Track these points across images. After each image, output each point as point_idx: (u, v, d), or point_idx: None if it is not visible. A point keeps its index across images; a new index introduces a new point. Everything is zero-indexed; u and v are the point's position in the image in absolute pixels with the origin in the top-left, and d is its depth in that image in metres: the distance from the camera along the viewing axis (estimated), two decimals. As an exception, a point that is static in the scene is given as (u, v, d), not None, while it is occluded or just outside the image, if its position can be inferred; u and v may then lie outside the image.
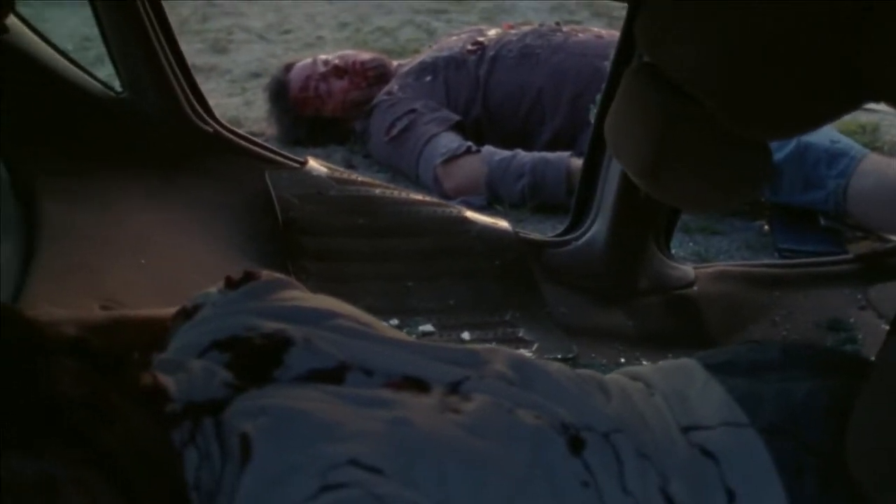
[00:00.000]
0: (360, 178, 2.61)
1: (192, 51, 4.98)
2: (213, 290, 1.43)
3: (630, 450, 1.32)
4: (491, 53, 3.72)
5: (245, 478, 1.11)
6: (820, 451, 1.35)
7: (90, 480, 1.03)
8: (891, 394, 1.23)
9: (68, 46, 4.58)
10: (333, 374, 1.28)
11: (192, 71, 3.80)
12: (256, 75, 4.70)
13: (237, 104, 4.34)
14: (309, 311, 1.39)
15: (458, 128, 3.63)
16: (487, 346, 1.49)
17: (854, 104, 1.71)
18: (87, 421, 1.07)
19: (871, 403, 1.27)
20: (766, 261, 2.91)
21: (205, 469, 1.14)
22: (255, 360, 1.28)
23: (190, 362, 1.27)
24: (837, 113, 1.80)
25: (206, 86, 4.46)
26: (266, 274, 1.46)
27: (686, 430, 1.40)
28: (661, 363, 1.61)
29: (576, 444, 1.29)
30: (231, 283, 1.43)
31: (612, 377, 1.55)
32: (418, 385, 1.31)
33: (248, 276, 1.44)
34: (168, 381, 1.22)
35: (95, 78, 2.34)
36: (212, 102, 4.16)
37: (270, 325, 1.33)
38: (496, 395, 1.32)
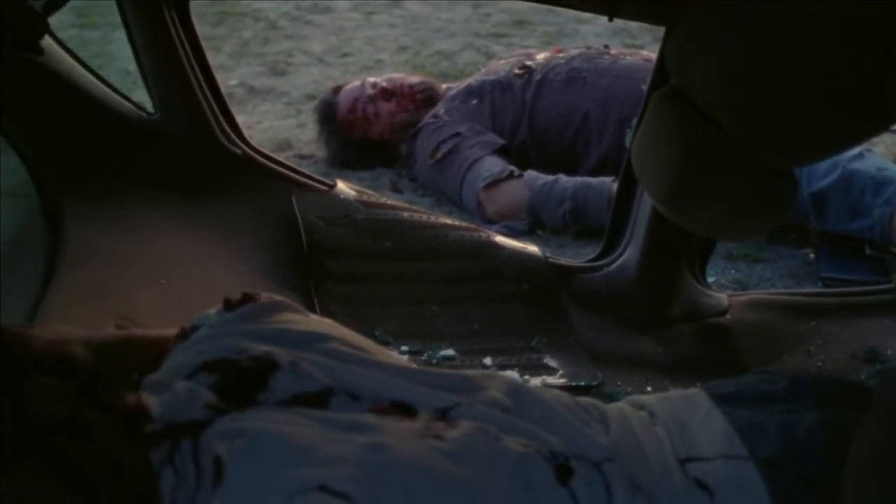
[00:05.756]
0: (389, 202, 2.60)
1: (252, 73, 5.03)
2: (211, 311, 1.44)
3: (622, 480, 1.31)
4: (538, 77, 3.70)
5: (216, 500, 1.11)
6: (820, 484, 1.32)
7: (64, 499, 1.03)
8: (887, 427, 1.20)
9: (130, 67, 4.66)
10: (317, 398, 1.28)
11: (251, 93, 3.82)
12: (312, 98, 4.70)
13: (290, 126, 4.35)
14: (301, 334, 1.39)
15: (502, 152, 3.61)
16: (485, 371, 1.48)
17: (876, 130, 1.68)
18: (63, 440, 1.08)
19: (869, 436, 1.23)
20: (804, 290, 2.86)
21: (180, 490, 1.15)
22: (241, 382, 1.28)
23: (176, 383, 1.27)
24: (860, 139, 1.77)
25: (262, 108, 4.54)
26: (265, 296, 1.46)
27: (684, 461, 1.38)
28: (668, 392, 1.58)
29: (564, 473, 1.27)
30: (228, 305, 1.43)
31: (616, 406, 1.53)
32: (405, 410, 1.30)
33: (246, 298, 1.44)
34: (152, 402, 1.23)
35: (129, 100, 2.36)
36: (265, 125, 4.25)
37: (260, 348, 1.33)
38: (484, 421, 1.31)
